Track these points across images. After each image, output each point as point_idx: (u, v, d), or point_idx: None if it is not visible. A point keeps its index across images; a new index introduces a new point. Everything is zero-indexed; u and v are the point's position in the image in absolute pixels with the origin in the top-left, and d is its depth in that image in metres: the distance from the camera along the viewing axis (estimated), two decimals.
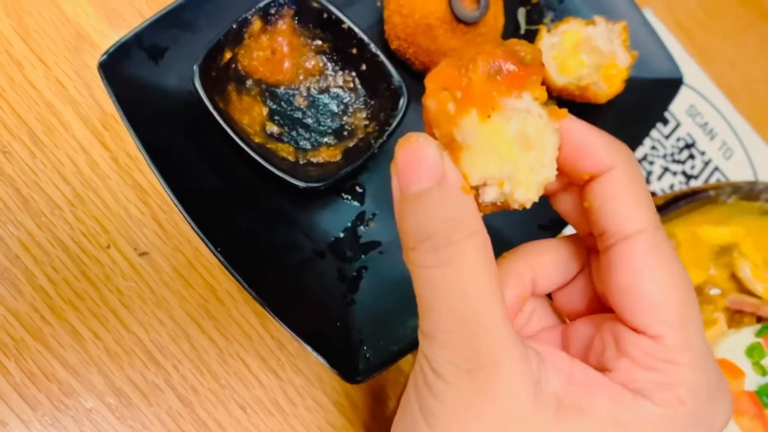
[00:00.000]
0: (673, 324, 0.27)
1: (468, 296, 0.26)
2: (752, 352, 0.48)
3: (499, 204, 0.28)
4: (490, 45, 0.27)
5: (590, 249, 0.33)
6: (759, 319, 0.53)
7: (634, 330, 0.28)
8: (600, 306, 0.33)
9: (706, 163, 0.66)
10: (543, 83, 0.28)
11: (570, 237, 0.34)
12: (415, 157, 0.26)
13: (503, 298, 0.27)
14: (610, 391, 0.27)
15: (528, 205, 0.28)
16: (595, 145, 0.29)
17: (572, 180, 0.31)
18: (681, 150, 0.65)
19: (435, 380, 0.27)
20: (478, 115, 0.27)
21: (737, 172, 0.67)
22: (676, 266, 0.28)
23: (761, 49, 0.74)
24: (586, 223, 0.31)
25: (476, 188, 0.28)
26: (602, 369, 0.29)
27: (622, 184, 0.29)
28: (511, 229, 0.51)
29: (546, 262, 0.33)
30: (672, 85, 0.60)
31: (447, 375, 0.27)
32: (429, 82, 0.27)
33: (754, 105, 0.70)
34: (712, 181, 0.65)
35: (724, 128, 0.68)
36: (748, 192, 0.56)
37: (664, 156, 0.64)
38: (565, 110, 0.29)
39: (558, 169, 0.29)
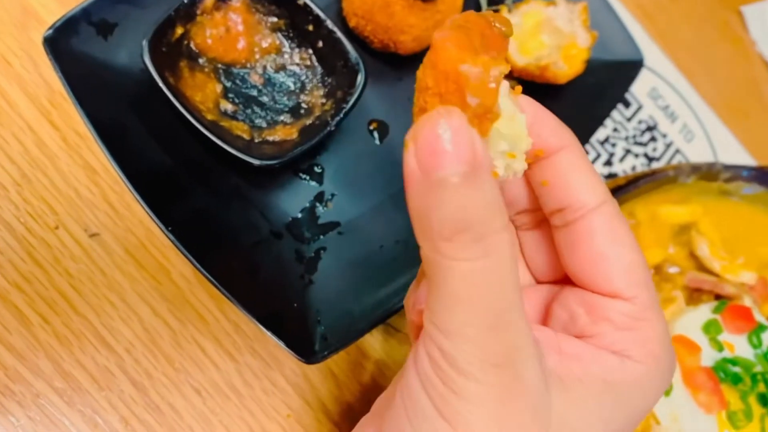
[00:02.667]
0: (643, 283, 0.29)
1: (505, 291, 0.24)
2: (709, 328, 0.48)
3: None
4: (465, 14, 0.26)
5: (534, 224, 0.33)
6: (717, 297, 0.53)
7: (607, 295, 0.29)
8: (541, 275, 0.34)
9: (668, 146, 0.66)
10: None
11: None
12: (446, 137, 0.22)
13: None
14: (599, 357, 0.28)
15: (520, 175, 0.28)
16: (548, 120, 0.30)
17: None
18: (643, 132, 0.65)
19: (461, 380, 0.25)
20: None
21: (698, 154, 0.67)
22: (631, 232, 0.30)
23: (721, 34, 0.74)
24: (533, 199, 0.32)
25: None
26: (579, 337, 0.29)
27: (579, 161, 0.29)
28: None
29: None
30: (633, 67, 0.60)
31: (477, 373, 0.25)
32: (450, 45, 0.24)
33: (715, 89, 0.71)
34: (674, 163, 0.66)
35: (686, 111, 0.68)
36: (707, 172, 0.57)
37: (626, 138, 0.64)
38: (519, 86, 0.28)
39: None
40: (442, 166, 0.22)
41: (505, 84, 0.26)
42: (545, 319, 0.32)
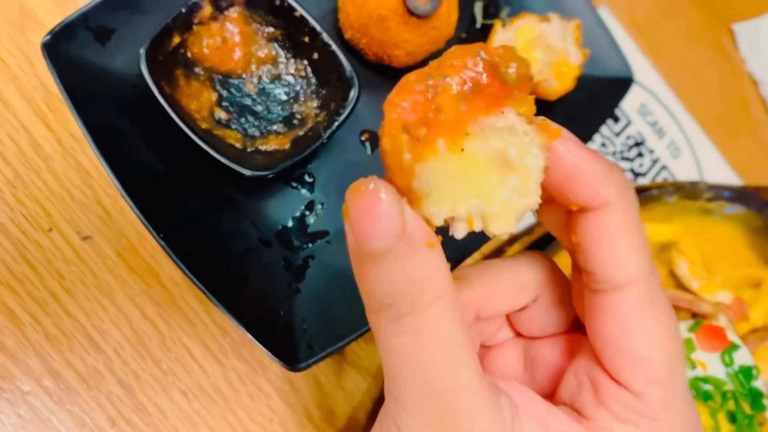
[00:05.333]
0: (657, 381, 0.26)
1: (435, 363, 0.24)
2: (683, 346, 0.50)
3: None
4: (464, 49, 0.23)
5: (574, 264, 0.30)
6: (694, 315, 0.55)
7: (616, 381, 0.27)
8: (568, 327, 0.31)
9: (654, 162, 0.67)
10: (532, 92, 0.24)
11: (528, 255, 0.32)
12: (369, 209, 0.22)
13: (474, 351, 0.25)
14: None
15: (505, 237, 0.26)
16: (590, 175, 0.25)
17: (559, 202, 0.28)
18: (630, 148, 0.66)
19: None
20: (446, 146, 0.23)
21: (684, 171, 0.69)
22: (667, 319, 0.27)
23: (713, 51, 0.75)
24: (569, 239, 0.29)
25: (445, 223, 0.24)
26: (578, 412, 0.28)
27: (617, 226, 0.26)
28: None
29: (498, 289, 0.30)
30: (623, 84, 0.61)
31: None
32: (388, 108, 0.22)
33: (704, 106, 0.72)
34: (660, 179, 0.67)
35: (673, 128, 0.69)
36: (690, 191, 0.58)
37: (614, 153, 0.65)
38: (558, 128, 0.25)
39: (542, 195, 0.25)
40: (369, 239, 0.22)
41: (523, 128, 0.24)
42: (557, 381, 0.30)
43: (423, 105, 0.22)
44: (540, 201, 0.24)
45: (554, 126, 0.25)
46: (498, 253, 0.56)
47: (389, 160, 0.23)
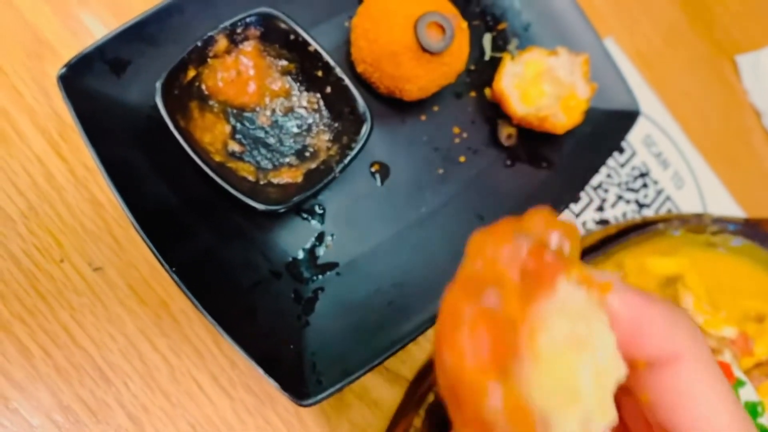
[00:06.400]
0: None
1: None
2: None
3: None
4: (498, 238, 0.20)
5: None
6: None
7: None
8: None
9: (659, 192, 0.68)
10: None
11: None
12: None
13: None
14: None
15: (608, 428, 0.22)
16: (652, 327, 0.23)
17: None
18: (635, 179, 0.67)
19: None
20: (522, 360, 0.19)
21: (687, 201, 0.69)
22: None
23: (715, 81, 0.76)
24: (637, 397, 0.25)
25: None
26: None
27: (693, 381, 0.23)
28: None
29: None
30: (629, 117, 0.62)
31: None
32: (450, 355, 0.18)
33: (707, 136, 0.73)
34: (664, 210, 0.68)
35: (677, 159, 0.70)
36: (695, 225, 0.59)
37: (619, 184, 0.66)
38: (608, 282, 0.22)
39: None
40: None
41: (580, 295, 0.21)
42: None
43: (488, 328, 0.19)
44: (625, 367, 0.22)
45: (603, 279, 0.22)
46: None
47: (467, 407, 0.19)
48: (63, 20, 0.48)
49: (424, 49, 0.48)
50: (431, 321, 0.48)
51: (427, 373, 0.53)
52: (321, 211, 0.50)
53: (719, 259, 0.61)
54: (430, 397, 0.48)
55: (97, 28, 0.49)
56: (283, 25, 0.46)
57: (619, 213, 0.65)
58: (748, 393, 0.51)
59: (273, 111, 0.48)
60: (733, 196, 0.72)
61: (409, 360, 0.52)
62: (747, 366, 0.56)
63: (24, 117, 0.46)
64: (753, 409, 0.50)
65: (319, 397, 0.43)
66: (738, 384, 0.51)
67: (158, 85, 0.43)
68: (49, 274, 0.44)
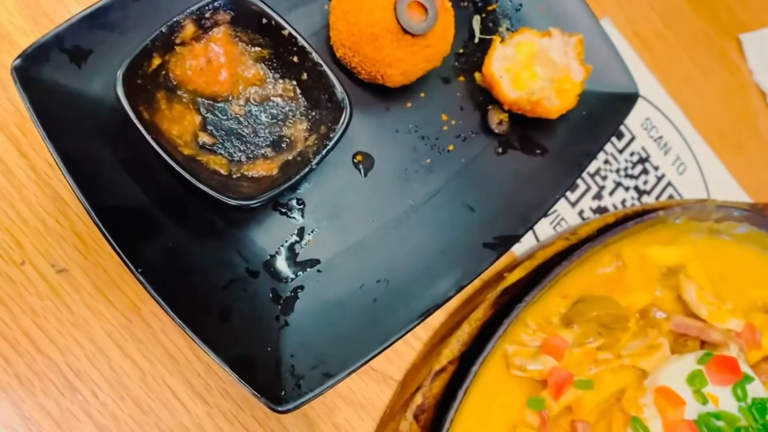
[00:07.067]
0: None
1: None
2: (693, 380, 0.47)
3: None
4: None
5: None
6: (703, 344, 0.52)
7: None
8: None
9: (659, 178, 0.65)
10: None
11: None
12: None
13: None
14: None
15: None
16: None
17: None
18: (634, 165, 0.64)
19: None
20: None
21: (690, 187, 0.66)
22: None
23: (718, 63, 0.73)
24: None
25: None
26: None
27: None
28: (456, 247, 0.49)
29: None
30: (628, 99, 0.58)
31: None
32: None
33: (709, 120, 0.70)
34: (665, 196, 0.65)
35: (679, 143, 0.67)
36: (698, 212, 0.56)
37: (617, 170, 0.63)
38: None
39: None
40: None
41: None
42: None
43: None
44: None
45: None
46: (498, 279, 0.54)
47: None
48: (22, 7, 0.45)
49: (405, 31, 0.45)
50: (419, 318, 0.45)
51: (417, 371, 0.50)
52: (300, 206, 0.48)
53: (723, 247, 0.58)
54: (418, 399, 0.46)
55: (59, 16, 0.46)
56: (254, 8, 0.43)
57: (617, 200, 0.62)
58: (756, 389, 0.49)
59: (246, 100, 0.46)
60: (738, 181, 0.69)
61: (397, 359, 0.50)
62: (754, 360, 0.54)
63: None
64: (762, 407, 0.48)
65: (298, 402, 0.41)
66: (745, 380, 0.48)
67: (119, 74, 0.40)
68: (9, 278, 0.41)
